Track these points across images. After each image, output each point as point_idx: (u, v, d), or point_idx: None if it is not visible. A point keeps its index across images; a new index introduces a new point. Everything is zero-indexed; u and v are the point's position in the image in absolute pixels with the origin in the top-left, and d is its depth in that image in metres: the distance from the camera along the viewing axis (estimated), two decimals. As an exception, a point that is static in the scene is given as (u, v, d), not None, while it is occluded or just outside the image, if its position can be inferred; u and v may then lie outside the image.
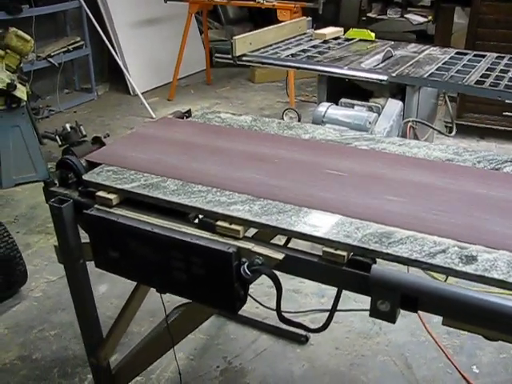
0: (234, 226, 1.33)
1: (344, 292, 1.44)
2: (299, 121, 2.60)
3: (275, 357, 2.42)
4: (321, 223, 1.30)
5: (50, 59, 5.13)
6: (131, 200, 1.53)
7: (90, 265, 1.63)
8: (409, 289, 1.15)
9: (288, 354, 2.44)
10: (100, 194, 1.54)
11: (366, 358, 2.41)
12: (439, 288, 1.12)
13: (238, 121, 1.96)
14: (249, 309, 2.61)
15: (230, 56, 3.01)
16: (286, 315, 1.48)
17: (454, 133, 3.05)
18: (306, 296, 2.77)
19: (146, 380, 2.33)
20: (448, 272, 1.18)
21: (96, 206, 1.53)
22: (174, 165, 1.63)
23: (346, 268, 1.23)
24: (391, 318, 1.20)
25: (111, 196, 1.53)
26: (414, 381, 2.29)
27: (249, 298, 2.49)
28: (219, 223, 1.35)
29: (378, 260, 1.24)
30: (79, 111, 5.53)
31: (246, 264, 1.28)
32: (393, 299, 1.17)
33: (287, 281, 2.75)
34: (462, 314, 1.14)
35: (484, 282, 1.15)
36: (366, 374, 2.34)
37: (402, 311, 1.22)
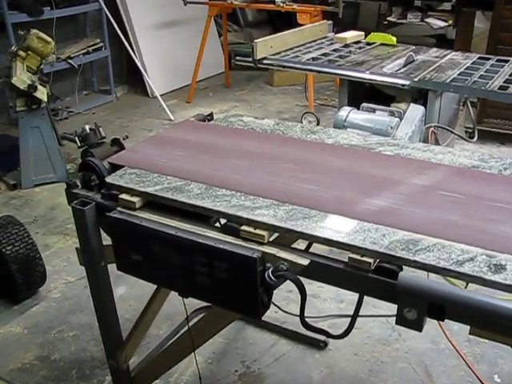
0: (258, 231, 1.32)
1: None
2: (318, 124, 2.59)
3: (294, 362, 2.41)
4: (347, 229, 1.29)
5: (70, 61, 5.16)
6: (154, 203, 1.53)
7: (109, 266, 1.63)
8: (436, 297, 1.13)
9: (307, 359, 2.42)
10: (123, 196, 1.54)
11: (385, 365, 2.39)
12: (467, 297, 1.10)
13: (260, 124, 1.95)
14: (268, 313, 2.58)
15: (250, 59, 3.00)
16: (307, 321, 1.47)
17: (475, 138, 3.01)
18: (325, 301, 2.75)
19: (165, 383, 2.33)
20: (476, 281, 1.16)
21: (119, 208, 1.53)
22: (198, 168, 1.62)
23: (373, 275, 1.21)
24: (418, 326, 1.19)
25: (134, 199, 1.53)
26: (434, 389, 2.27)
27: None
28: (244, 228, 1.34)
29: (404, 267, 1.23)
30: (98, 113, 5.56)
31: (271, 269, 1.27)
32: (420, 307, 1.16)
33: (306, 285, 2.76)
34: (490, 323, 1.13)
35: (513, 292, 1.13)
36: (385, 381, 2.31)
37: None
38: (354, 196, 1.44)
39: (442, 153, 1.72)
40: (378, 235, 1.27)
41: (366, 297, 1.35)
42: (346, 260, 1.24)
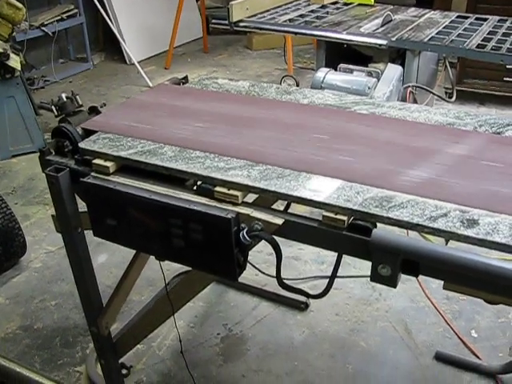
0: (232, 192, 1.31)
1: (344, 259, 1.43)
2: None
3: (275, 323, 2.43)
4: (321, 188, 1.28)
5: (44, 28, 5.04)
6: (128, 167, 1.51)
7: (89, 235, 1.62)
8: (410, 253, 1.13)
9: (288, 320, 2.45)
10: (97, 161, 1.52)
11: (365, 324, 2.43)
12: (440, 252, 1.10)
13: (235, 86, 1.92)
14: (249, 276, 2.62)
15: (226, 22, 2.95)
16: (286, 282, 1.47)
17: (454, 98, 3.00)
18: (306, 263, 2.77)
19: (147, 348, 2.35)
20: (450, 236, 1.17)
21: (93, 173, 1.51)
22: (171, 131, 1.60)
23: (347, 232, 1.21)
24: (392, 282, 1.19)
25: (108, 163, 1.50)
26: (413, 346, 2.31)
27: (248, 265, 2.51)
28: (217, 189, 1.33)
29: (378, 225, 1.23)
30: (75, 81, 5.48)
31: (245, 230, 1.27)
32: (394, 263, 1.16)
33: (286, 248, 2.77)
34: (463, 277, 1.13)
35: (486, 246, 1.14)
36: (366, 339, 2.35)
37: (401, 278, 1.21)
38: (330, 156, 1.44)
39: (417, 111, 1.71)
40: (352, 193, 1.26)
41: (346, 258, 1.35)
42: (321, 218, 1.24)
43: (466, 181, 1.32)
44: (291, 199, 1.29)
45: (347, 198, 1.24)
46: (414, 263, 1.18)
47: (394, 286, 1.20)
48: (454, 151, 1.46)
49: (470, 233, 1.14)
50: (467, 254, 1.09)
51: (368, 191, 1.27)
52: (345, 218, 1.21)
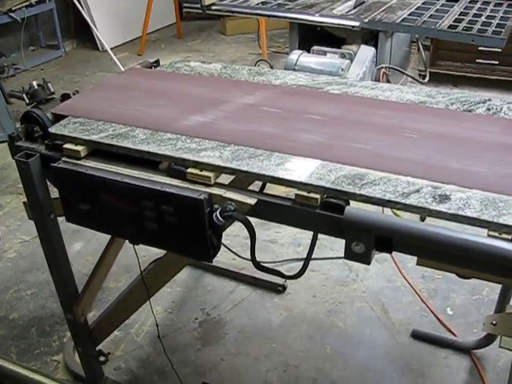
0: (204, 173, 1.30)
1: (321, 240, 1.44)
2: (272, 71, 2.57)
3: (253, 306, 2.44)
4: (293, 167, 1.28)
5: (12, 14, 4.93)
6: (100, 151, 1.49)
7: (64, 223, 1.60)
8: (383, 229, 1.14)
9: (266, 303, 2.46)
10: (67, 146, 1.50)
11: (343, 305, 2.44)
12: (412, 227, 1.11)
13: (207, 69, 1.91)
14: (225, 260, 2.62)
15: (198, 6, 2.92)
16: (261, 263, 1.47)
17: (427, 79, 3.02)
18: (283, 246, 2.78)
19: (125, 334, 2.33)
20: (422, 211, 1.17)
21: (64, 158, 1.49)
22: (143, 114, 1.59)
23: (320, 211, 1.21)
24: (366, 259, 1.20)
25: (79, 148, 1.48)
26: (390, 325, 2.33)
27: (225, 249, 2.52)
28: (190, 170, 1.32)
29: (352, 202, 1.23)
30: (46, 68, 5.39)
31: (219, 210, 1.26)
32: (367, 240, 1.17)
33: (263, 231, 2.79)
34: (436, 252, 1.14)
35: (457, 221, 1.15)
36: (344, 320, 2.37)
37: (377, 258, 1.22)
38: (302, 135, 1.43)
39: (389, 90, 1.72)
40: (324, 171, 1.26)
41: (323, 240, 1.36)
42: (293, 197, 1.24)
43: (437, 157, 1.33)
44: (264, 179, 1.29)
45: (320, 176, 1.24)
46: (388, 240, 1.19)
47: (368, 263, 1.21)
48: (423, 128, 1.47)
49: (441, 208, 1.15)
50: (439, 229, 1.10)
51: (341, 169, 1.27)
52: (318, 197, 1.21)
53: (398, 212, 1.22)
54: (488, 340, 2.14)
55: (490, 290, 2.44)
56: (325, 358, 2.20)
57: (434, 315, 2.36)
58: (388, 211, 1.35)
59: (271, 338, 2.29)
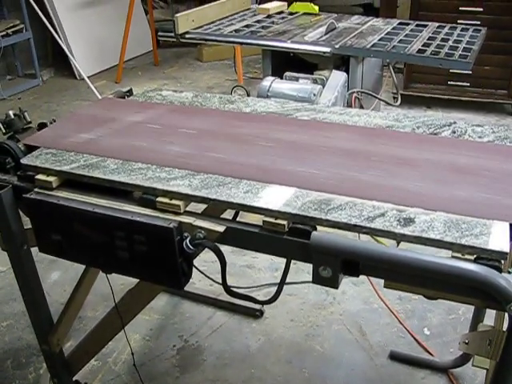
0: (174, 201, 1.32)
1: (297, 264, 1.46)
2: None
3: (231, 332, 2.44)
4: (260, 194, 1.30)
5: (-12, 44, 4.96)
6: (72, 182, 1.50)
7: (40, 253, 1.60)
8: (348, 253, 1.16)
9: (244, 328, 2.46)
10: (39, 177, 1.51)
11: (320, 328, 2.45)
12: (376, 250, 1.13)
13: (179, 97, 1.93)
14: (203, 286, 2.62)
15: (172, 34, 2.96)
16: (239, 290, 1.49)
17: (398, 102, 3.08)
18: (260, 271, 2.79)
19: (103, 364, 2.32)
20: (387, 235, 1.20)
21: (36, 189, 1.50)
22: (114, 144, 1.60)
23: (287, 237, 1.23)
24: (334, 283, 1.21)
25: (51, 178, 1.49)
26: (368, 347, 2.34)
27: (202, 275, 2.51)
28: (159, 199, 1.34)
29: (319, 228, 1.25)
30: (24, 98, 5.39)
31: (188, 238, 1.27)
32: (334, 265, 1.19)
33: (240, 257, 2.80)
34: (401, 275, 1.17)
35: (421, 243, 1.17)
36: (322, 343, 2.37)
37: (354, 281, 1.23)
38: (268, 162, 1.46)
39: (358, 115, 1.75)
40: (291, 197, 1.28)
41: (299, 264, 1.37)
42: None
43: (402, 180, 1.36)
44: (232, 207, 1.31)
45: (287, 202, 1.26)
46: (355, 263, 1.21)
47: (336, 287, 1.22)
48: (389, 152, 1.50)
49: (406, 231, 1.18)
50: (402, 252, 1.12)
51: (307, 195, 1.29)
52: (285, 223, 1.23)
53: (380, 239, 1.25)
54: (464, 359, 2.16)
55: (466, 309, 2.47)
56: (304, 382, 2.20)
57: (412, 336, 2.38)
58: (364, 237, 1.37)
59: (250, 364, 2.28)
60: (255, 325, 2.47)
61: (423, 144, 1.56)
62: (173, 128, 1.68)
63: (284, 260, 1.59)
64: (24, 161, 1.57)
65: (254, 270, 2.79)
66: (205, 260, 2.62)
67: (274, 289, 2.61)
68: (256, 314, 2.49)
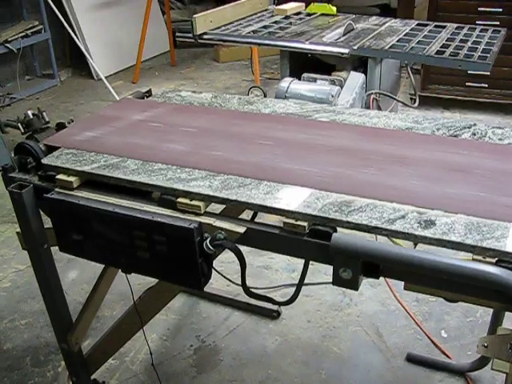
0: (194, 202, 1.33)
1: (315, 265, 1.45)
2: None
3: (248, 333, 2.44)
4: (281, 195, 1.31)
5: (8, 45, 4.99)
6: (92, 182, 1.52)
7: (58, 252, 1.61)
8: (369, 255, 1.16)
9: (261, 329, 2.46)
10: (60, 177, 1.53)
11: (337, 330, 2.45)
12: (397, 253, 1.13)
13: (198, 98, 1.94)
14: (220, 286, 2.62)
15: (191, 35, 2.97)
16: (256, 291, 1.49)
17: (416, 104, 3.06)
18: (277, 272, 2.79)
19: (120, 363, 2.33)
20: (408, 237, 1.19)
21: (56, 189, 1.51)
22: (134, 144, 1.61)
23: (307, 238, 1.23)
24: (354, 285, 1.21)
25: (71, 178, 1.51)
26: (384, 349, 2.33)
27: (219, 275, 2.52)
28: (180, 200, 1.34)
29: (340, 229, 1.25)
30: (42, 98, 5.44)
31: (209, 239, 1.28)
32: (354, 267, 1.19)
33: (257, 257, 2.80)
34: (422, 277, 1.16)
35: (442, 245, 1.17)
36: (338, 344, 2.37)
37: (371, 282, 1.23)
38: (289, 163, 1.46)
39: (377, 117, 1.75)
40: (311, 199, 1.29)
41: (317, 265, 1.37)
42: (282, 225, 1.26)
43: (423, 182, 1.35)
44: (252, 208, 1.31)
45: (307, 204, 1.27)
46: (375, 265, 1.21)
47: (356, 289, 1.22)
48: (410, 154, 1.49)
49: (426, 233, 1.17)
50: (423, 254, 1.12)
51: (328, 197, 1.29)
52: (305, 224, 1.23)
53: (397, 240, 1.24)
54: (482, 362, 2.14)
55: (484, 312, 2.45)
56: (320, 383, 2.19)
57: (429, 338, 2.37)
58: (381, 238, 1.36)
59: (266, 364, 2.29)
60: (272, 325, 2.47)
61: (443, 146, 1.55)
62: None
63: (301, 261, 1.59)
64: (45, 161, 1.58)
65: (271, 270, 2.79)
66: (222, 261, 2.63)
67: (290, 290, 2.64)
68: (273, 315, 2.49)
